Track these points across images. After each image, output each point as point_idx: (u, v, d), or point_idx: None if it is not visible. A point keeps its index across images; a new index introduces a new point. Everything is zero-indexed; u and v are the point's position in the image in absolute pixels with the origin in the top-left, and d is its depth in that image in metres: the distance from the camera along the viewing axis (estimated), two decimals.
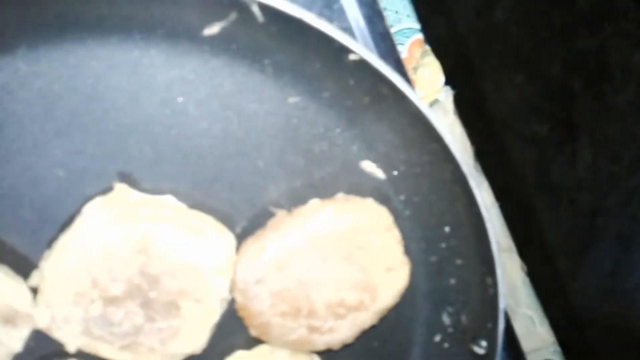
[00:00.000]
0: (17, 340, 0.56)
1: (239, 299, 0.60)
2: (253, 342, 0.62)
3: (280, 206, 0.61)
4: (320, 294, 0.60)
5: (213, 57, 0.57)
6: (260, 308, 0.59)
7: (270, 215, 0.61)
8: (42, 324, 0.56)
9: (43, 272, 0.56)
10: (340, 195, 0.62)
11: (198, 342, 0.60)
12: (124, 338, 0.57)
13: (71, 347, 0.57)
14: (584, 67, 0.74)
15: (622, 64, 0.70)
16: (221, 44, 0.57)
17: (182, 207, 0.59)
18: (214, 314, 0.60)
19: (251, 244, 0.60)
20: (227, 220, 0.60)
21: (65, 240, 0.56)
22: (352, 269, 0.60)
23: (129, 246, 0.56)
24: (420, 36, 0.74)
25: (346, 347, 0.63)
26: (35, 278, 0.56)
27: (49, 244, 0.57)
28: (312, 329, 0.60)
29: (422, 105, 0.56)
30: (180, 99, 0.58)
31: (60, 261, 0.55)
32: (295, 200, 0.62)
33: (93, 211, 0.56)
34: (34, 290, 0.56)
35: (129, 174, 0.58)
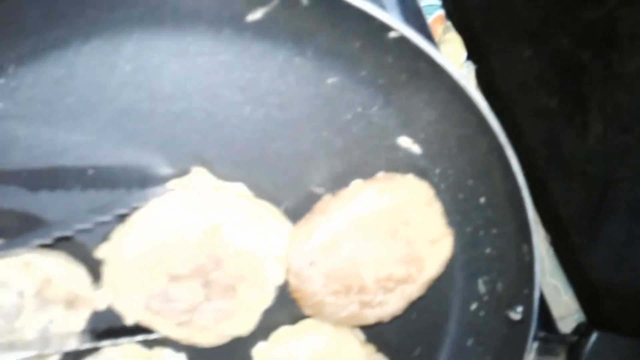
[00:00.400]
0: (79, 321, 0.58)
1: (293, 281, 0.61)
2: (296, 319, 0.64)
3: (322, 186, 0.63)
4: (369, 270, 0.61)
5: (254, 43, 0.58)
6: (314, 289, 0.61)
7: (313, 196, 0.62)
8: (102, 306, 0.58)
9: (113, 244, 0.57)
10: (380, 174, 0.63)
11: (248, 325, 0.61)
12: (181, 315, 0.59)
13: (130, 319, 0.59)
14: (592, 38, 0.75)
15: (630, 32, 0.71)
16: (263, 30, 0.57)
17: (249, 195, 0.60)
18: (267, 300, 0.61)
19: (301, 227, 0.61)
20: (270, 202, 0.61)
21: (138, 218, 0.57)
22: (398, 244, 0.62)
23: (200, 230, 0.58)
24: (441, 12, 0.74)
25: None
26: (103, 250, 0.57)
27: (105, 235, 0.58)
28: (364, 304, 0.62)
29: (461, 78, 0.57)
30: (223, 86, 0.59)
31: (132, 237, 0.57)
32: (336, 181, 0.63)
33: (167, 193, 0.58)
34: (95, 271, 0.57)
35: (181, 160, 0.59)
